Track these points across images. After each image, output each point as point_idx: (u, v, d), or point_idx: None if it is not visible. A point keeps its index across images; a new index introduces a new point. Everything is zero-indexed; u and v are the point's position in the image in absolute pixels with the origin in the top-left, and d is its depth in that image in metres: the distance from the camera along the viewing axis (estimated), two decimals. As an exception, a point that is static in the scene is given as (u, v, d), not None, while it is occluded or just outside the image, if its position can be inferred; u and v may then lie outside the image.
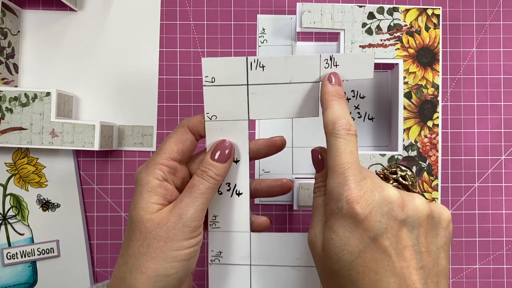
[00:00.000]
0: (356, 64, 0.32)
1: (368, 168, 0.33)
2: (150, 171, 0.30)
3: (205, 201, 0.30)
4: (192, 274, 0.35)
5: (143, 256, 0.29)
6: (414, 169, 0.42)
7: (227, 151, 0.31)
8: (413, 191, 0.32)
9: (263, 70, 0.31)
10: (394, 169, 0.33)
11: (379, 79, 0.47)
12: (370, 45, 0.41)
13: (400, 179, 0.32)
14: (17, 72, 0.47)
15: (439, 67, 0.42)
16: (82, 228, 0.46)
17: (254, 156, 0.35)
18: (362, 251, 0.26)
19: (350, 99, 0.47)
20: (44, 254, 0.46)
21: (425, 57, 0.41)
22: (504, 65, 0.47)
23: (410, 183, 0.32)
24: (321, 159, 0.32)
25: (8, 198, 0.46)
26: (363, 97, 0.47)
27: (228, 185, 0.33)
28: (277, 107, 0.32)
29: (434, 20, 0.41)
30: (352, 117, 0.46)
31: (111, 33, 0.47)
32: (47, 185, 0.46)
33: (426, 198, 0.40)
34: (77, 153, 0.47)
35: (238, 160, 0.33)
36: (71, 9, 0.47)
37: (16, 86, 0.46)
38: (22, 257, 0.46)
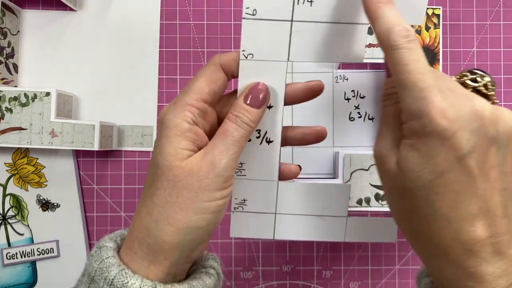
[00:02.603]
0: (408, 6, 0.28)
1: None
2: (179, 113, 0.27)
3: (239, 150, 0.27)
4: None
5: (171, 206, 0.26)
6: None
7: (261, 96, 0.29)
8: (494, 102, 0.28)
9: (311, 5, 0.28)
10: (473, 76, 0.28)
11: (379, 79, 0.47)
12: (370, 45, 0.41)
13: (482, 88, 0.27)
14: (16, 72, 0.47)
15: (439, 67, 0.41)
16: (82, 228, 0.46)
17: (289, 101, 0.31)
18: (445, 171, 0.23)
19: (350, 99, 0.47)
20: (44, 254, 0.46)
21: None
22: (504, 65, 0.47)
23: (493, 92, 0.27)
24: None
25: (8, 198, 0.46)
26: (363, 97, 0.47)
27: (258, 132, 0.31)
28: (320, 49, 0.29)
29: (434, 20, 0.41)
30: (351, 117, 0.46)
31: (111, 33, 0.47)
32: (47, 185, 0.46)
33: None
34: (77, 153, 0.47)
35: (272, 106, 0.30)
36: (71, 9, 0.47)
37: (15, 86, 0.46)
38: (22, 257, 0.46)
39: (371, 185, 0.42)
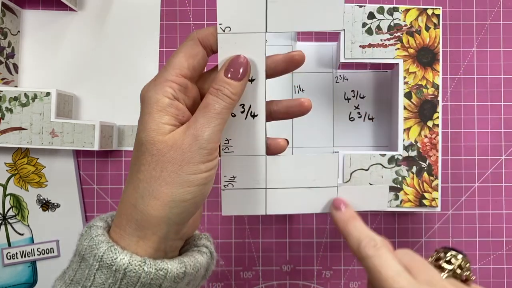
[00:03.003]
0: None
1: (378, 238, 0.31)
2: (159, 89, 0.27)
3: (221, 122, 0.28)
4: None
5: (156, 180, 0.26)
6: (414, 169, 0.42)
7: (241, 68, 0.29)
8: (470, 279, 0.30)
9: None
10: (449, 258, 0.30)
11: (379, 79, 0.47)
12: (370, 45, 0.41)
13: (458, 270, 0.29)
14: (17, 72, 0.47)
15: (439, 67, 0.41)
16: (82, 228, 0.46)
17: (271, 74, 0.31)
18: None
19: (350, 99, 0.47)
20: (44, 254, 0.46)
21: (425, 57, 0.41)
22: (504, 65, 0.47)
23: (468, 272, 0.30)
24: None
25: (8, 198, 0.46)
26: (363, 97, 0.47)
27: (242, 107, 0.30)
28: (298, 18, 0.29)
29: (434, 20, 0.41)
30: (351, 117, 0.46)
31: (111, 33, 0.47)
32: (47, 185, 0.46)
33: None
34: (77, 153, 0.47)
35: (254, 79, 0.30)
36: (71, 9, 0.47)
37: (16, 86, 0.46)
38: (22, 257, 0.46)
39: (371, 185, 0.42)
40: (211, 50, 0.30)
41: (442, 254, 0.30)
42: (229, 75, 0.28)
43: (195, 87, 0.30)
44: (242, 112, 0.31)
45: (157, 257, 0.27)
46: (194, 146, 0.26)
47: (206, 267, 0.30)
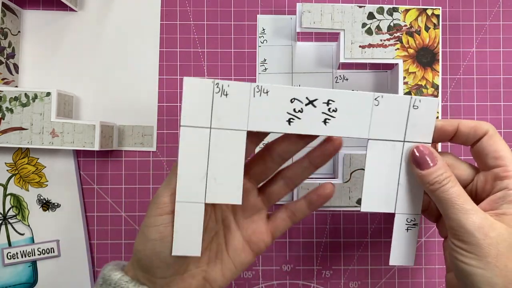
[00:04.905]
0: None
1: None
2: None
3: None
4: None
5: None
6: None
7: None
8: None
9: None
10: None
11: (379, 79, 0.47)
12: (370, 45, 0.41)
13: None
14: (17, 72, 0.47)
15: (439, 67, 0.42)
16: (82, 228, 0.46)
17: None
18: None
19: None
20: (44, 254, 0.46)
21: (425, 57, 0.42)
22: (504, 65, 0.47)
23: None
24: (431, 153, 0.31)
25: (8, 198, 0.46)
26: (363, 97, 0.47)
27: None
28: None
29: (434, 20, 0.42)
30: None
31: (111, 33, 0.47)
32: (47, 185, 0.46)
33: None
34: (77, 153, 0.47)
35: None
36: (71, 9, 0.47)
37: (16, 86, 0.46)
38: (22, 257, 0.46)
39: None
40: None
41: None
42: None
43: None
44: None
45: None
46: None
47: None
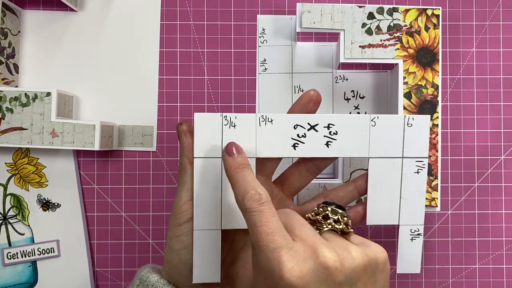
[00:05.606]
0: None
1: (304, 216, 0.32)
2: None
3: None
4: None
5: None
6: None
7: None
8: (349, 232, 0.30)
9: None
10: (326, 213, 0.30)
11: (379, 79, 0.47)
12: (370, 45, 0.41)
13: (334, 224, 0.30)
14: (17, 72, 0.47)
15: (439, 67, 0.42)
16: (82, 228, 0.46)
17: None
18: None
19: (350, 99, 0.47)
20: (44, 254, 0.46)
21: (424, 57, 0.42)
22: (504, 65, 0.47)
23: (344, 225, 0.30)
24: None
25: (8, 198, 0.46)
26: (363, 97, 0.47)
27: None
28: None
29: (434, 20, 0.42)
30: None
31: (111, 33, 0.47)
32: (47, 185, 0.46)
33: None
34: (77, 153, 0.47)
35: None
36: (71, 9, 0.47)
37: (16, 86, 0.46)
38: (22, 257, 0.46)
39: None
40: None
41: (320, 210, 0.31)
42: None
43: None
44: None
45: None
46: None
47: None
